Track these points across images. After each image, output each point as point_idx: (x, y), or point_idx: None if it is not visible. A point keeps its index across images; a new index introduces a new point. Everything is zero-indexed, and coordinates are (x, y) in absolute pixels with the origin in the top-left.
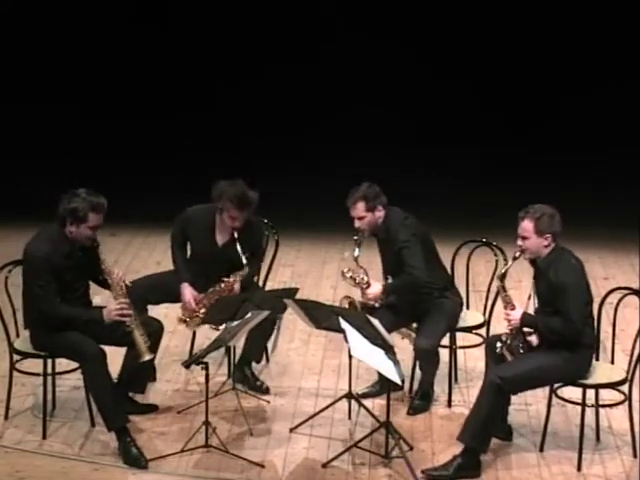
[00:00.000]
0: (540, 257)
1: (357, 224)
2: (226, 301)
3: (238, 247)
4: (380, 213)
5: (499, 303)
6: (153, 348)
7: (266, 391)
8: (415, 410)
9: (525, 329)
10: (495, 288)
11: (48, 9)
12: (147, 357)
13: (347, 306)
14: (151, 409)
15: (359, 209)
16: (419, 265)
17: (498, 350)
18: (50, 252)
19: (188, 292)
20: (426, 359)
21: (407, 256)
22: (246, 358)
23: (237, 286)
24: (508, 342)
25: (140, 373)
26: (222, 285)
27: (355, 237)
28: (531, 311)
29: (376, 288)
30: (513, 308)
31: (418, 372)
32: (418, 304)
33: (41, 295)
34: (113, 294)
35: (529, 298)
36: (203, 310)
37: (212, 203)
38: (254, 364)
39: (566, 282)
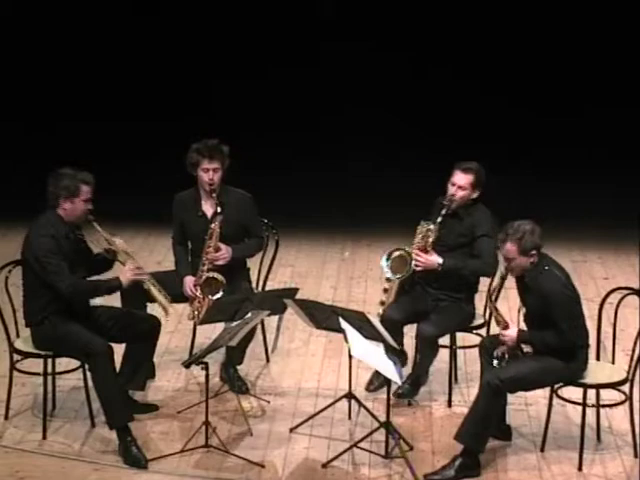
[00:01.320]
0: (526, 274)
1: (453, 191)
2: (226, 301)
3: (213, 196)
4: (475, 195)
5: (499, 303)
6: (157, 330)
7: (246, 391)
8: (400, 395)
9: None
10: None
11: (47, 10)
12: (171, 310)
13: (396, 255)
14: (151, 409)
15: (466, 179)
16: (495, 260)
17: (496, 366)
18: (54, 233)
19: (188, 280)
20: (424, 346)
21: (489, 246)
22: (228, 361)
23: (223, 246)
24: (506, 357)
25: (139, 370)
26: (207, 250)
27: (444, 202)
28: (521, 319)
29: (434, 259)
30: (506, 327)
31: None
32: (440, 300)
33: (57, 273)
34: (121, 260)
35: (519, 311)
36: (199, 291)
37: (192, 178)
38: (256, 364)
39: (551, 296)
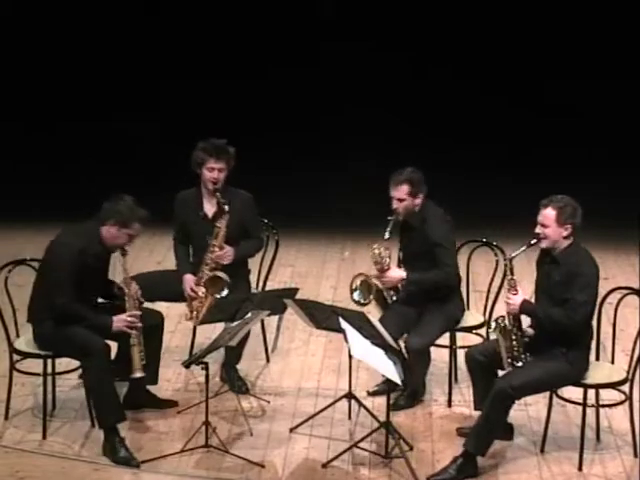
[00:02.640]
0: (556, 248)
1: (395, 205)
2: (226, 301)
3: (217, 195)
4: (419, 200)
5: (499, 303)
6: (159, 326)
7: (246, 391)
8: (395, 406)
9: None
10: (497, 289)
11: (47, 10)
12: (139, 374)
13: (359, 283)
14: (170, 404)
15: (402, 191)
16: (454, 265)
17: (491, 330)
18: (85, 247)
19: (188, 279)
20: (416, 358)
21: (445, 254)
22: (228, 361)
23: (227, 247)
24: (503, 325)
25: (150, 364)
26: (211, 242)
27: (390, 218)
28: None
29: (396, 273)
30: (516, 293)
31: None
32: (425, 303)
33: (59, 286)
34: (127, 305)
35: (536, 292)
36: (203, 290)
37: (195, 175)
38: (256, 364)
39: (584, 274)
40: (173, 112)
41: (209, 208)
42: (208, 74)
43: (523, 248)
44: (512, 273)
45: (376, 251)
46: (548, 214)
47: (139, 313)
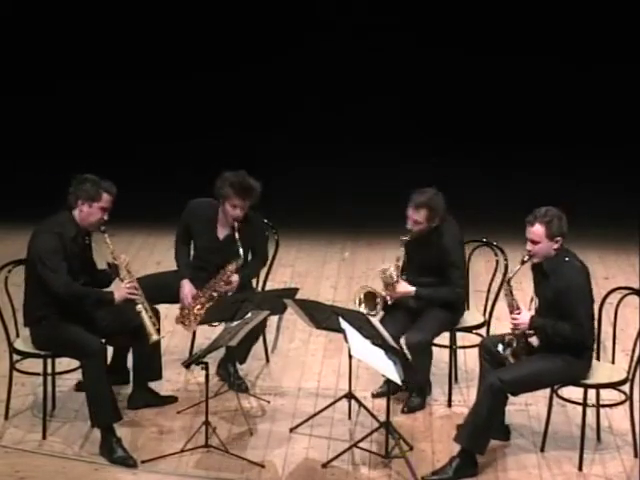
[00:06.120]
0: (545, 260)
1: (410, 226)
2: (226, 301)
3: (236, 235)
4: (434, 224)
5: (499, 303)
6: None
7: (245, 390)
8: (410, 408)
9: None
10: (496, 289)
11: (47, 10)
12: (155, 338)
13: (362, 296)
14: (170, 400)
15: (421, 215)
16: (462, 286)
17: (502, 353)
18: (60, 232)
19: (187, 287)
20: (417, 353)
21: (458, 276)
22: (230, 357)
23: (235, 278)
24: (513, 345)
25: (152, 360)
26: (218, 277)
27: (403, 238)
28: (532, 313)
29: (404, 288)
30: (520, 312)
31: None
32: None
33: (54, 274)
34: (121, 276)
35: (531, 301)
36: (198, 307)
37: (215, 197)
38: (256, 364)
39: (573, 286)
40: (173, 112)
41: (221, 230)
42: (208, 73)
43: (518, 267)
44: (512, 294)
45: (388, 272)
46: (537, 231)
47: (134, 280)
